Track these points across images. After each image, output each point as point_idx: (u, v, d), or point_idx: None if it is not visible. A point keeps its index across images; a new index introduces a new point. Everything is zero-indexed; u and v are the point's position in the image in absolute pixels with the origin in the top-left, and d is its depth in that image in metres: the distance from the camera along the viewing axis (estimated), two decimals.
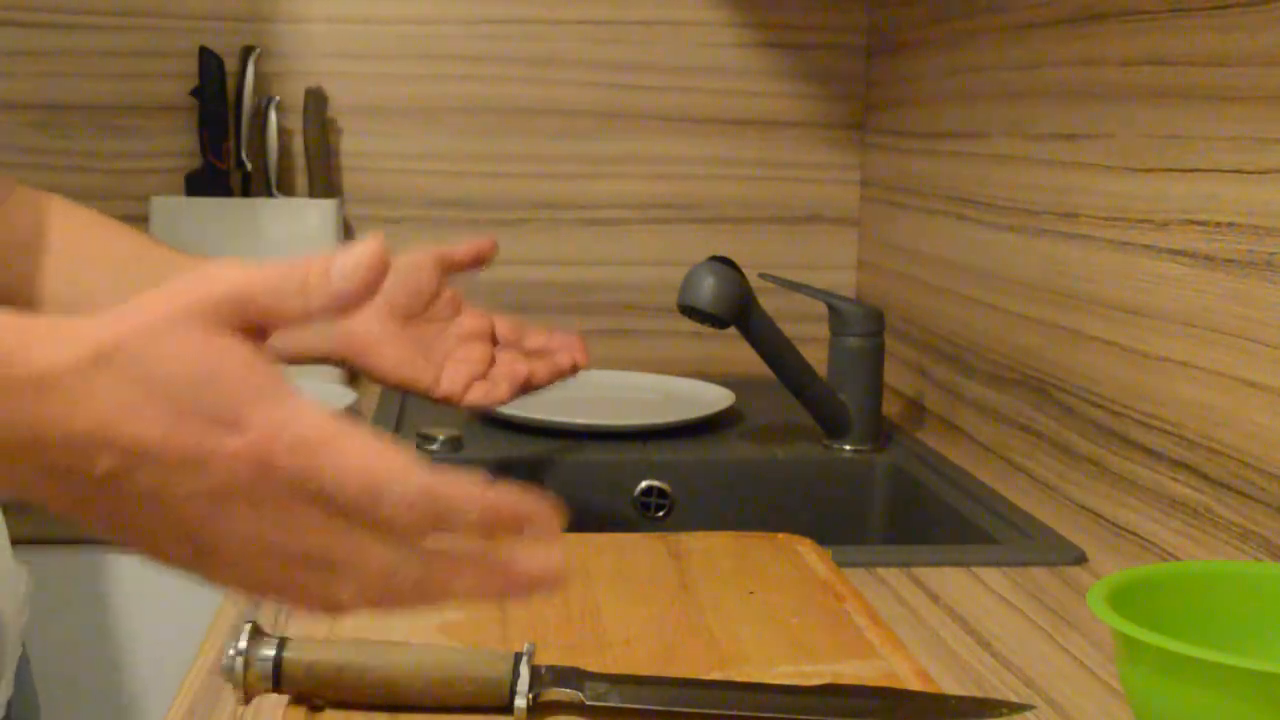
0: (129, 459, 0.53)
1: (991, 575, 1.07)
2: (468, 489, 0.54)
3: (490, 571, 0.55)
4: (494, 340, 1.09)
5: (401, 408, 1.61)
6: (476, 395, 1.06)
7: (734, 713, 0.76)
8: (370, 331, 1.05)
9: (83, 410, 0.53)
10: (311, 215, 1.73)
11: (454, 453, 1.41)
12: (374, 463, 0.53)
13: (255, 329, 0.55)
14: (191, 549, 0.55)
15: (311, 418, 0.53)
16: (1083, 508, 1.23)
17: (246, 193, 1.74)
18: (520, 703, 0.75)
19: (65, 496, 0.55)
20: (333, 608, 0.56)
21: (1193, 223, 1.07)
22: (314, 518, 0.53)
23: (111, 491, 0.54)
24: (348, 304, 0.55)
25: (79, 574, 1.36)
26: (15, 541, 1.34)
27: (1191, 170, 1.07)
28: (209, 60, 1.72)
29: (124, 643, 1.38)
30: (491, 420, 1.54)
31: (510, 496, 0.56)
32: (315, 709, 0.76)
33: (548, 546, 0.56)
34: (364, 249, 0.54)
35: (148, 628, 1.38)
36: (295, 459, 0.53)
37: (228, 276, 0.54)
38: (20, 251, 1.00)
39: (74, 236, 1.02)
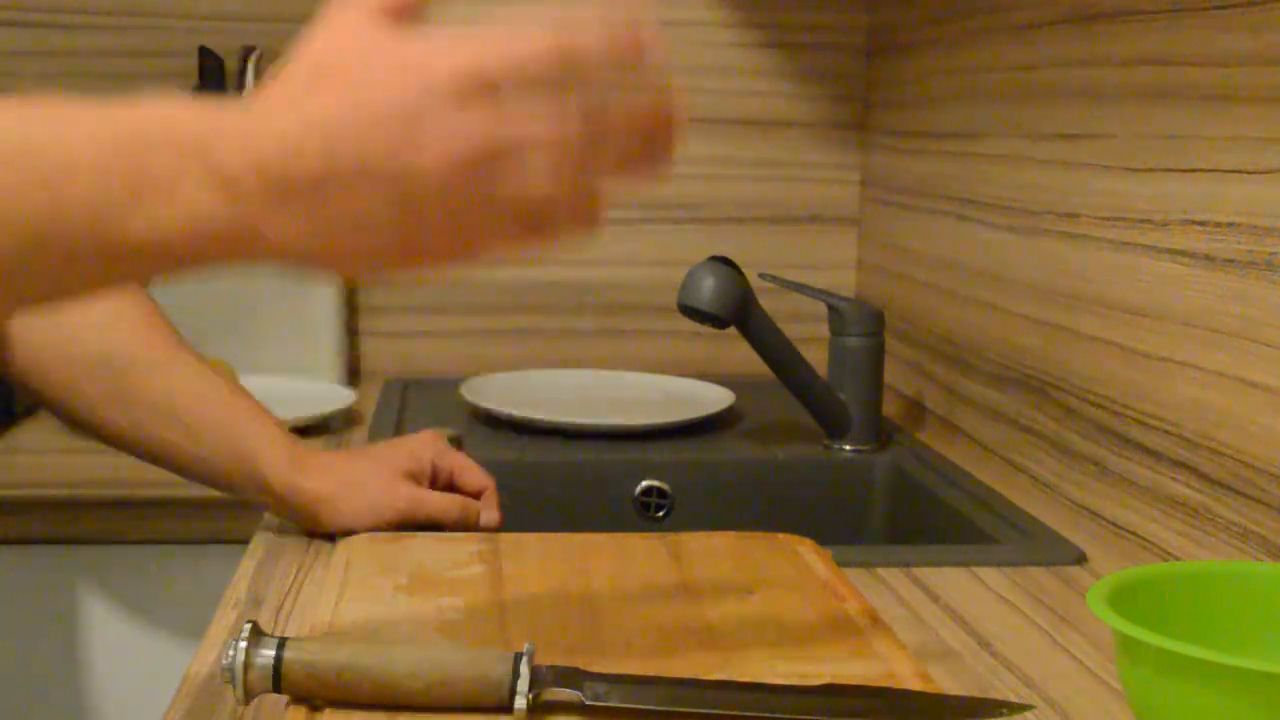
0: (329, 131, 0.60)
1: (991, 575, 1.07)
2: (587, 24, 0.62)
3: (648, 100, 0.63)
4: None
5: (401, 408, 1.62)
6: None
7: (734, 713, 0.76)
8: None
9: (283, 116, 0.61)
10: None
11: (455, 450, 1.41)
12: (512, 43, 0.61)
13: (403, 16, 0.63)
14: (399, 207, 0.62)
15: (460, 43, 0.61)
16: (1083, 508, 1.23)
17: None
18: (520, 703, 0.75)
19: (289, 215, 0.62)
20: (538, 212, 0.64)
21: (1193, 223, 1.07)
22: (484, 110, 0.60)
23: (324, 176, 0.61)
24: None
25: (76, 576, 1.36)
26: (6, 542, 1.35)
27: (1191, 170, 1.07)
28: (209, 60, 1.72)
29: (122, 643, 1.38)
30: (491, 420, 1.54)
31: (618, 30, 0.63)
32: (315, 709, 0.76)
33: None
34: None
35: (147, 629, 1.38)
36: (462, 62, 0.60)
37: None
38: None
39: None
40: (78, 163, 0.64)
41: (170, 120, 0.64)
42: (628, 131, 0.64)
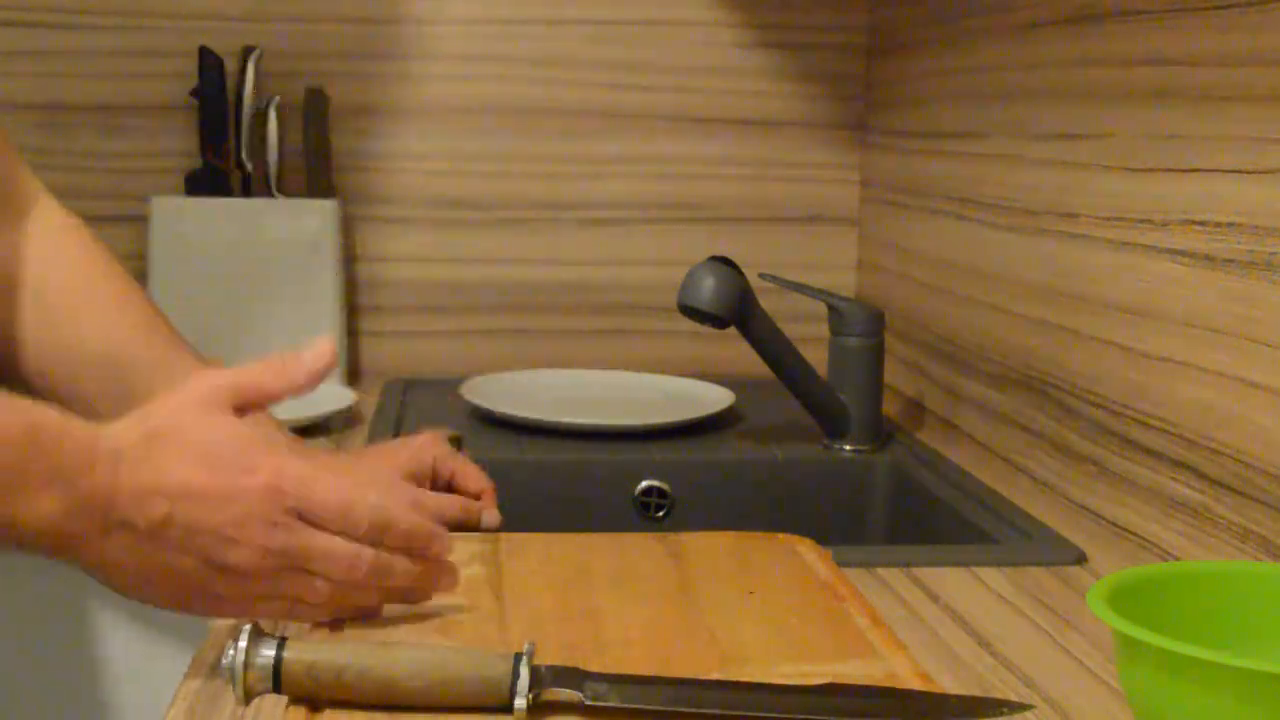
0: (177, 501, 0.79)
1: (991, 575, 1.07)
2: (402, 511, 0.85)
3: (417, 568, 0.86)
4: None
5: (401, 408, 1.62)
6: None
7: (734, 713, 0.76)
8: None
9: (146, 472, 0.79)
10: (311, 215, 1.73)
11: (456, 452, 1.41)
12: (347, 491, 0.83)
13: (247, 407, 0.83)
14: (208, 571, 0.80)
15: (301, 462, 0.82)
16: (1083, 508, 1.23)
17: (246, 193, 1.74)
18: (520, 703, 0.75)
19: (118, 546, 0.79)
20: (313, 604, 0.84)
21: (1193, 223, 1.07)
22: (304, 529, 0.82)
23: (159, 534, 0.79)
24: (307, 387, 0.85)
25: (76, 576, 1.36)
26: None
27: (1191, 170, 1.07)
28: (209, 60, 1.72)
29: (122, 643, 1.38)
30: (491, 420, 1.54)
31: (422, 523, 0.86)
32: (315, 709, 0.76)
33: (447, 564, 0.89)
34: (317, 349, 0.86)
35: (147, 629, 1.38)
36: (293, 486, 0.81)
37: (226, 374, 0.84)
38: (15, 289, 1.04)
39: (71, 296, 1.06)
40: None
41: (64, 432, 0.79)
42: (396, 579, 0.86)
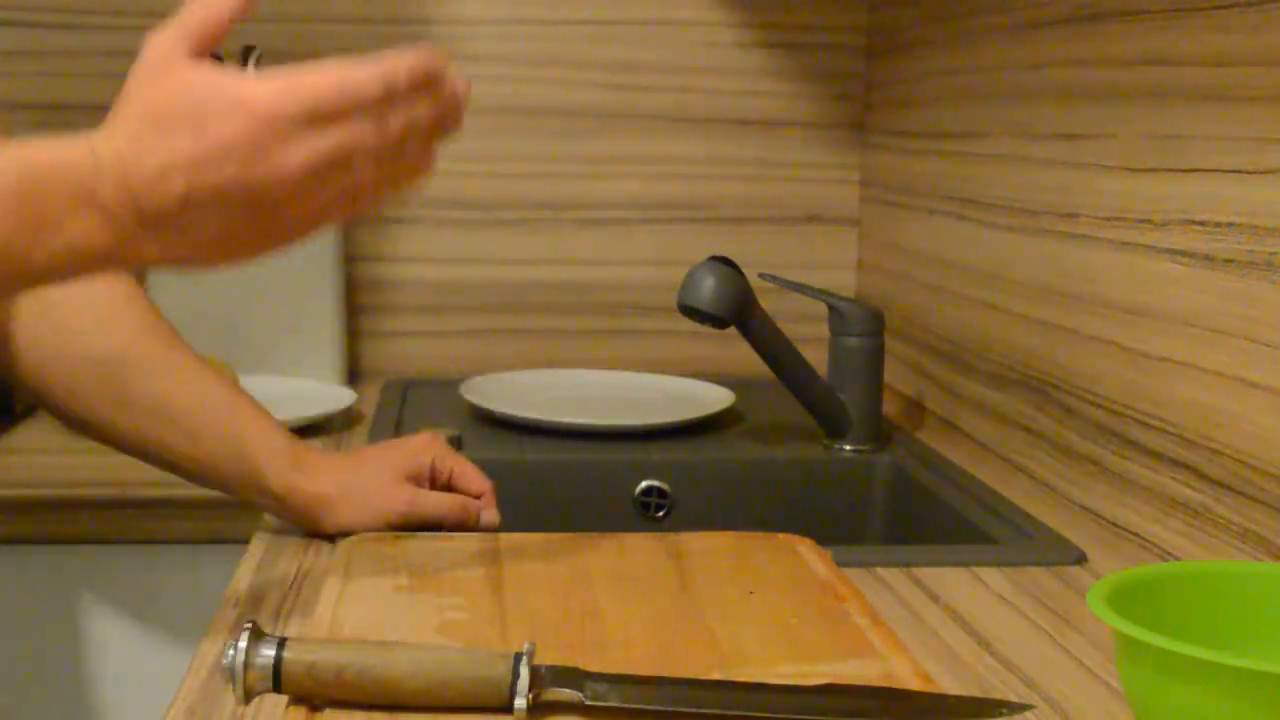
0: (188, 172, 0.76)
1: (991, 575, 1.07)
2: (401, 63, 0.79)
3: (440, 108, 0.81)
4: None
5: (401, 408, 1.62)
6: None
7: (734, 713, 0.76)
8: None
9: (147, 158, 0.76)
10: None
11: (455, 452, 1.41)
12: (335, 76, 0.78)
13: (204, 45, 0.81)
14: (256, 215, 0.78)
15: (274, 79, 0.77)
16: (1083, 508, 1.23)
17: None
18: (520, 703, 0.75)
19: (166, 237, 0.77)
20: (369, 190, 0.80)
21: (1193, 223, 1.07)
22: (319, 132, 0.77)
23: (191, 208, 0.76)
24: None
25: (75, 576, 1.36)
26: (6, 541, 1.35)
27: (1191, 170, 1.07)
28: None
29: (122, 643, 1.38)
30: (491, 420, 1.54)
31: (417, 62, 0.80)
32: (315, 709, 0.76)
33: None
34: None
35: (147, 629, 1.38)
36: (286, 99, 0.77)
37: (170, 27, 0.82)
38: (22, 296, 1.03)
39: (70, 297, 1.06)
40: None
41: (58, 164, 0.77)
42: (425, 125, 0.81)
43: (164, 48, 0.80)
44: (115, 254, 0.77)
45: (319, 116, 0.77)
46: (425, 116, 0.81)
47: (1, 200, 0.75)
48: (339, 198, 0.80)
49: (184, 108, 0.77)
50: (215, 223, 0.77)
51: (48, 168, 0.76)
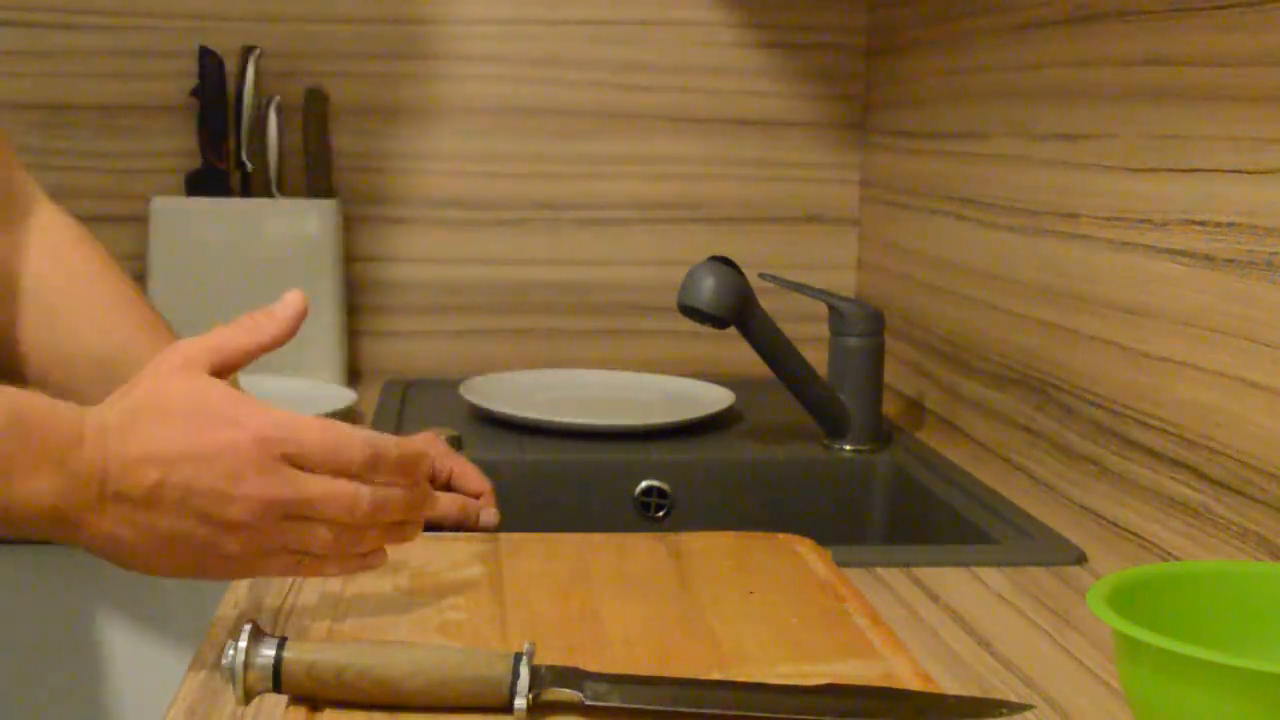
0: (167, 466, 0.79)
1: (991, 575, 1.07)
2: (389, 440, 0.84)
3: (413, 497, 0.85)
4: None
5: (401, 408, 1.62)
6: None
7: (734, 713, 0.76)
8: None
9: (134, 442, 0.79)
10: (311, 215, 1.73)
11: (455, 452, 1.41)
12: (332, 430, 0.82)
13: (225, 368, 0.84)
14: (210, 530, 0.80)
15: (282, 412, 0.82)
16: (1083, 508, 1.23)
17: (246, 193, 1.74)
18: (520, 703, 0.75)
19: (115, 519, 0.80)
20: (319, 554, 0.83)
21: (1193, 223, 1.07)
22: (299, 475, 0.81)
23: (154, 500, 0.79)
24: (281, 339, 0.86)
25: (76, 576, 1.36)
26: (6, 542, 1.35)
27: (1191, 170, 1.07)
28: (209, 60, 1.72)
29: (122, 643, 1.38)
30: (491, 420, 1.54)
31: (410, 445, 0.85)
32: (315, 709, 0.76)
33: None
34: (287, 299, 0.86)
35: (147, 629, 1.38)
36: (281, 432, 0.80)
37: (199, 339, 0.84)
38: (14, 290, 1.03)
39: (70, 298, 1.06)
40: None
41: (48, 417, 0.80)
42: (394, 513, 0.84)
43: (189, 354, 0.83)
44: (59, 520, 0.79)
45: (302, 460, 0.80)
46: (395, 501, 0.84)
47: None
48: (284, 550, 0.82)
49: (187, 407, 0.80)
50: (167, 523, 0.80)
51: (37, 416, 0.79)
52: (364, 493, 0.82)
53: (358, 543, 0.84)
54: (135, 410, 0.81)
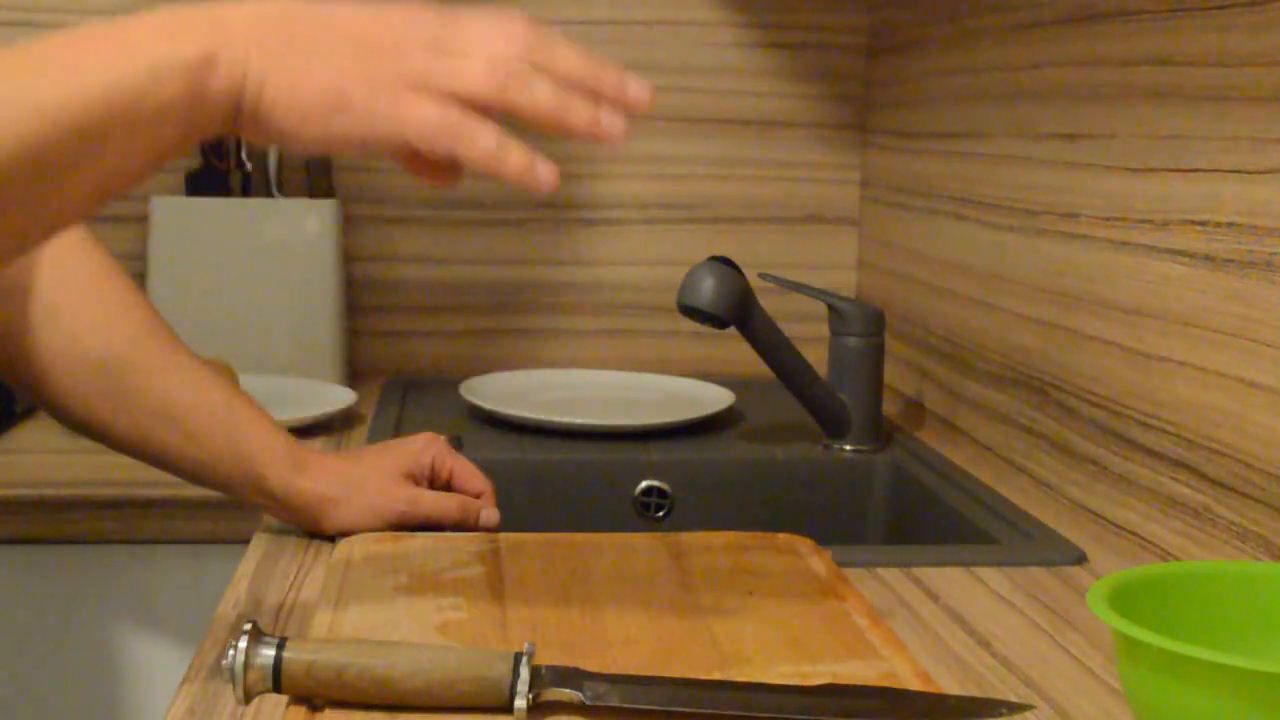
0: None
1: (991, 575, 1.07)
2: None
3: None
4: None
5: (401, 408, 1.62)
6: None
7: (734, 713, 0.76)
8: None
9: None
10: (311, 215, 1.73)
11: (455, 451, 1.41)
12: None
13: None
14: (360, 50, 0.74)
15: None
16: (1083, 508, 1.23)
17: (246, 193, 1.74)
18: (520, 703, 0.75)
19: (268, 32, 0.73)
20: (470, 88, 0.74)
21: (1193, 223, 1.07)
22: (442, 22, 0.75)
23: (299, 17, 0.74)
24: None
25: (75, 576, 1.36)
26: (6, 542, 1.35)
27: (1191, 170, 1.07)
28: None
29: (122, 643, 1.38)
30: (491, 420, 1.54)
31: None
32: (315, 709, 0.76)
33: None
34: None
35: (147, 629, 1.38)
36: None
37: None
38: (15, 291, 1.03)
39: (71, 300, 1.05)
40: (82, 48, 0.73)
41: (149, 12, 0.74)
42: (559, 60, 0.76)
43: None
44: (209, 65, 0.72)
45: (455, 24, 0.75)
46: (560, 57, 0.76)
47: (91, 28, 0.72)
48: (435, 88, 0.74)
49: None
50: (318, 39, 0.73)
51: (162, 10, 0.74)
52: (521, 31, 0.75)
53: (520, 84, 0.75)
54: None
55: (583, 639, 0.87)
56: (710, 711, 0.76)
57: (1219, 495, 1.04)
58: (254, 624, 0.77)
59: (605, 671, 0.79)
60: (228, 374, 1.39)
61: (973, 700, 0.79)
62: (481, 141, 0.74)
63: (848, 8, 1.85)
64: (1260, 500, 0.99)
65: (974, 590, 1.04)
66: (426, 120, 0.74)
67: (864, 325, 1.45)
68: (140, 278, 1.69)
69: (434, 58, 0.74)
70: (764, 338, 1.40)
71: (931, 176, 1.60)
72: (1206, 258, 1.05)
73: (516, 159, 0.74)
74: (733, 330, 1.39)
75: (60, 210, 0.73)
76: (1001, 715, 0.77)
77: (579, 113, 0.75)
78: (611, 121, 0.76)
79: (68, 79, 0.70)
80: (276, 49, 0.73)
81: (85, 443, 1.11)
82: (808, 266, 1.86)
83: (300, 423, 1.46)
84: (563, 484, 1.42)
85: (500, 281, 1.85)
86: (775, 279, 1.48)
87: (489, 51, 0.75)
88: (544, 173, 0.75)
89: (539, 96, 0.75)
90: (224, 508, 1.32)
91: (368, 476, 1.11)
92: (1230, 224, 1.03)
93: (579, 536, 1.08)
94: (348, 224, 1.80)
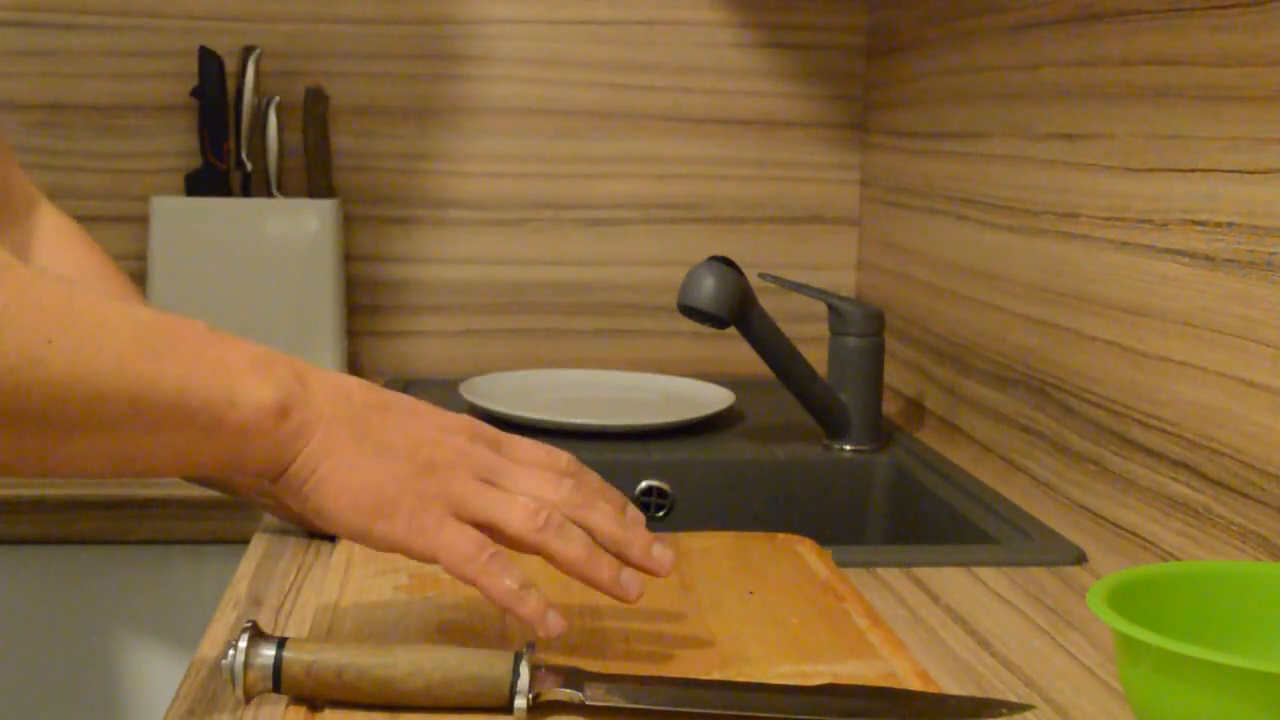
0: (377, 398, 0.83)
1: (991, 575, 1.07)
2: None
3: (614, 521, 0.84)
4: None
5: None
6: None
7: (734, 713, 0.76)
8: None
9: (334, 378, 0.81)
10: (311, 215, 1.73)
11: None
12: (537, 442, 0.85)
13: None
14: (411, 465, 0.78)
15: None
16: (1083, 508, 1.23)
17: (246, 193, 1.74)
18: (520, 703, 0.75)
19: (330, 408, 0.79)
20: (514, 528, 0.79)
21: (1193, 223, 1.07)
22: (500, 458, 0.82)
23: (374, 410, 0.81)
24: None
25: (75, 576, 1.36)
26: (6, 542, 1.35)
27: (1191, 170, 1.07)
28: (209, 60, 1.72)
29: (122, 643, 1.38)
30: (491, 420, 1.54)
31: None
32: (315, 709, 0.76)
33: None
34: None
35: (147, 629, 1.38)
36: (490, 428, 0.84)
37: None
38: None
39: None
40: (182, 339, 0.75)
41: (240, 341, 0.78)
42: (595, 517, 0.83)
43: None
44: (283, 414, 0.76)
45: (509, 449, 0.84)
46: (598, 506, 0.83)
47: (197, 327, 0.76)
48: (475, 520, 0.79)
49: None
50: (379, 438, 0.79)
51: (230, 337, 0.78)
52: (567, 481, 0.82)
53: (556, 534, 0.80)
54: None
55: (583, 639, 0.87)
56: (710, 711, 0.76)
57: (1219, 495, 1.04)
58: (254, 624, 0.77)
59: (605, 671, 0.79)
60: None
61: (973, 700, 0.79)
62: (505, 582, 0.78)
63: (848, 8, 1.85)
64: (1260, 500, 0.99)
65: (974, 590, 1.04)
66: (458, 551, 0.78)
67: (864, 325, 1.45)
68: (140, 278, 1.69)
69: (483, 488, 0.80)
70: (764, 338, 1.40)
71: (931, 176, 1.60)
72: (1206, 258, 1.05)
73: (533, 606, 0.79)
74: (733, 330, 1.39)
75: (74, 457, 0.73)
76: (1001, 715, 0.77)
77: (603, 571, 0.81)
78: (630, 581, 0.82)
79: (156, 355, 0.73)
80: (342, 434, 0.78)
81: None
82: (808, 266, 1.86)
83: None
84: None
85: (500, 281, 1.85)
86: (775, 279, 1.48)
87: (536, 493, 0.81)
88: (553, 623, 0.79)
89: (571, 551, 0.80)
90: (224, 508, 1.32)
91: None
92: (1230, 224, 1.03)
93: None
94: (348, 224, 1.80)
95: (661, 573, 0.84)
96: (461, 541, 0.78)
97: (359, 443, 0.78)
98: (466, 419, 0.82)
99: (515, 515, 0.79)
